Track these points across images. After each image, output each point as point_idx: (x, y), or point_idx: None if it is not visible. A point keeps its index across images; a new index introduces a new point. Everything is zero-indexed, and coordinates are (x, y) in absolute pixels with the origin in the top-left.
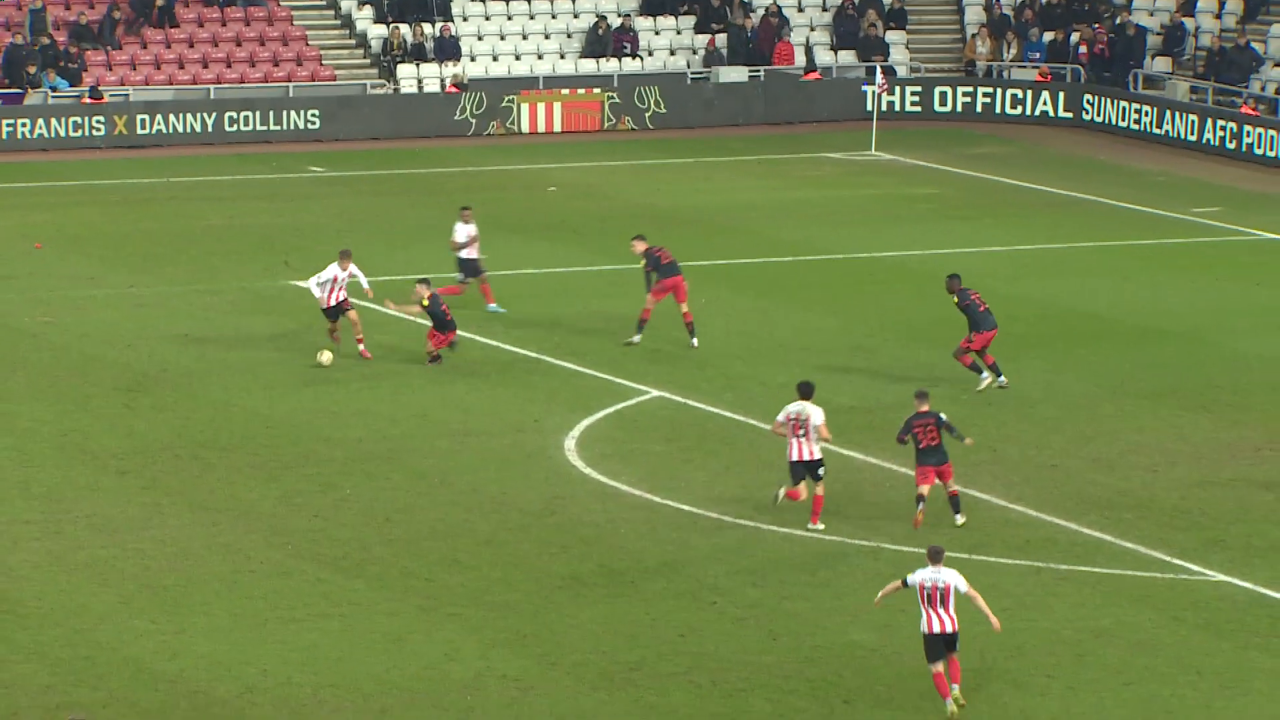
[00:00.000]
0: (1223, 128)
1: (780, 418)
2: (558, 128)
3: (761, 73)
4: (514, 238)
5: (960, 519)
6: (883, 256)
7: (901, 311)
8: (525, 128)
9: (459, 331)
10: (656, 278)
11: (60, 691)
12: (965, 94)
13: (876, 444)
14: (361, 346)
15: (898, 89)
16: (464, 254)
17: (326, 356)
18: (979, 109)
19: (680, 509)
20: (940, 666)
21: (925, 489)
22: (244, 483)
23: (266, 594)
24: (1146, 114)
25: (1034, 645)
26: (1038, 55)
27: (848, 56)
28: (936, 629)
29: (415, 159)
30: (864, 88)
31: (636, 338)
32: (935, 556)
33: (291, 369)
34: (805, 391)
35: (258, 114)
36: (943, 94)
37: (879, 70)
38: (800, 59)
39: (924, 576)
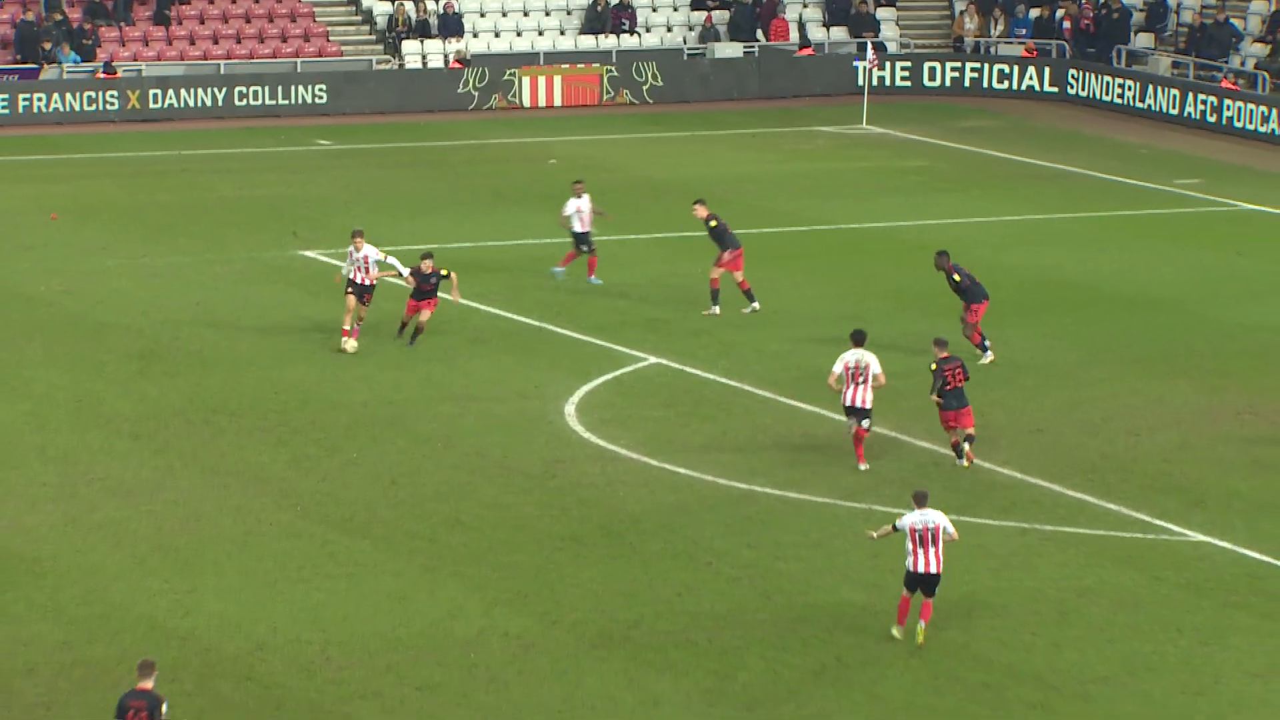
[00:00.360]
0: (1203, 102)
1: (838, 368)
2: (558, 102)
3: (756, 49)
4: (516, 209)
5: (965, 461)
6: (873, 227)
7: (891, 281)
8: (526, 102)
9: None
10: (719, 248)
11: (75, 648)
12: (954, 69)
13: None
14: (352, 330)
15: (888, 65)
16: (575, 227)
17: (351, 345)
18: (967, 84)
19: (677, 472)
20: (909, 595)
21: (956, 437)
22: (254, 447)
23: (275, 554)
24: (1129, 89)
25: (1019, 604)
26: (1024, 31)
27: (840, 33)
28: (921, 569)
29: (420, 132)
30: (855, 63)
31: (715, 309)
32: (920, 500)
33: (300, 336)
34: (859, 339)
35: (266, 89)
36: (932, 69)
37: (870, 46)
38: (794, 35)
39: (913, 520)
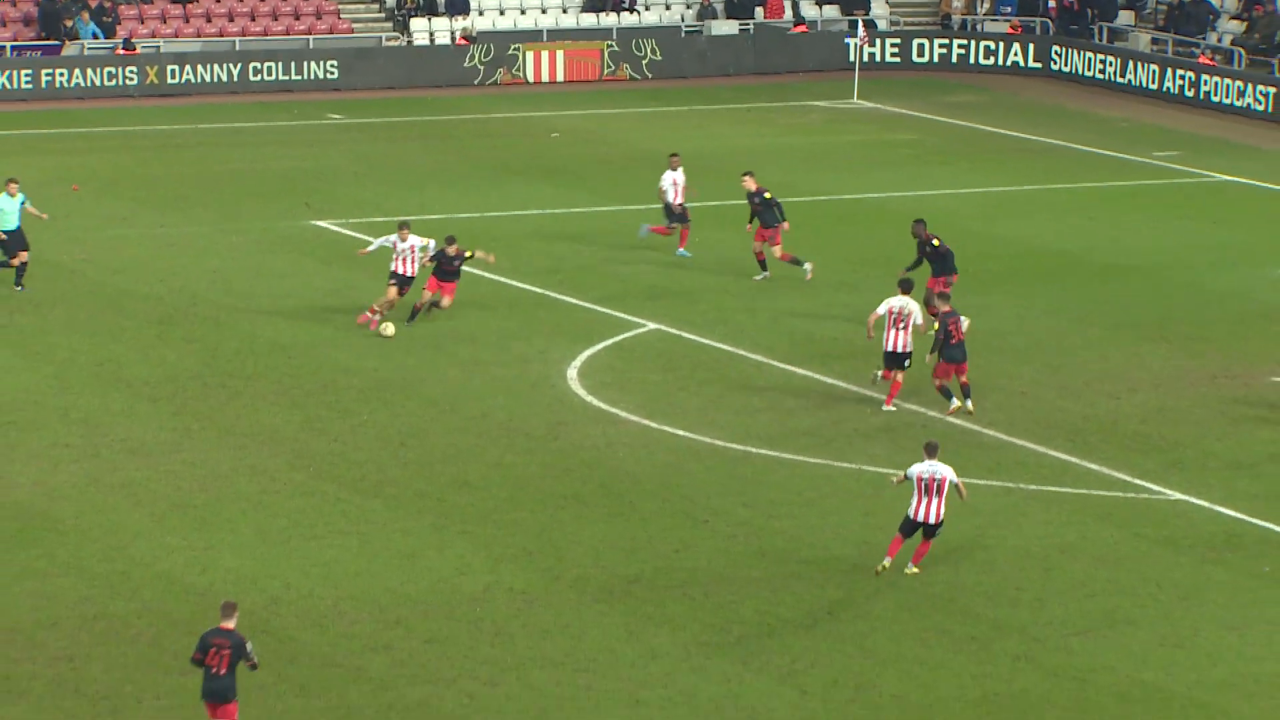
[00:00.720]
0: (1181, 77)
1: (881, 310)
2: (560, 77)
3: (751, 26)
4: (519, 180)
5: (971, 404)
6: (865, 198)
7: (882, 250)
8: (530, 77)
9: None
10: (758, 222)
11: (97, 603)
12: (941, 46)
13: (856, 373)
14: (374, 317)
15: (878, 41)
16: (669, 198)
17: (388, 328)
18: (954, 60)
19: (675, 434)
20: (903, 537)
21: (945, 382)
22: (268, 409)
23: (290, 513)
24: (1111, 64)
25: (1004, 560)
26: (1009, 9)
27: (831, 11)
28: (921, 517)
29: (427, 107)
30: (847, 40)
31: (762, 275)
32: (931, 451)
33: (312, 303)
34: (906, 287)
35: (280, 65)
36: (920, 46)
37: (861, 24)
38: (788, 13)
39: (921, 469)
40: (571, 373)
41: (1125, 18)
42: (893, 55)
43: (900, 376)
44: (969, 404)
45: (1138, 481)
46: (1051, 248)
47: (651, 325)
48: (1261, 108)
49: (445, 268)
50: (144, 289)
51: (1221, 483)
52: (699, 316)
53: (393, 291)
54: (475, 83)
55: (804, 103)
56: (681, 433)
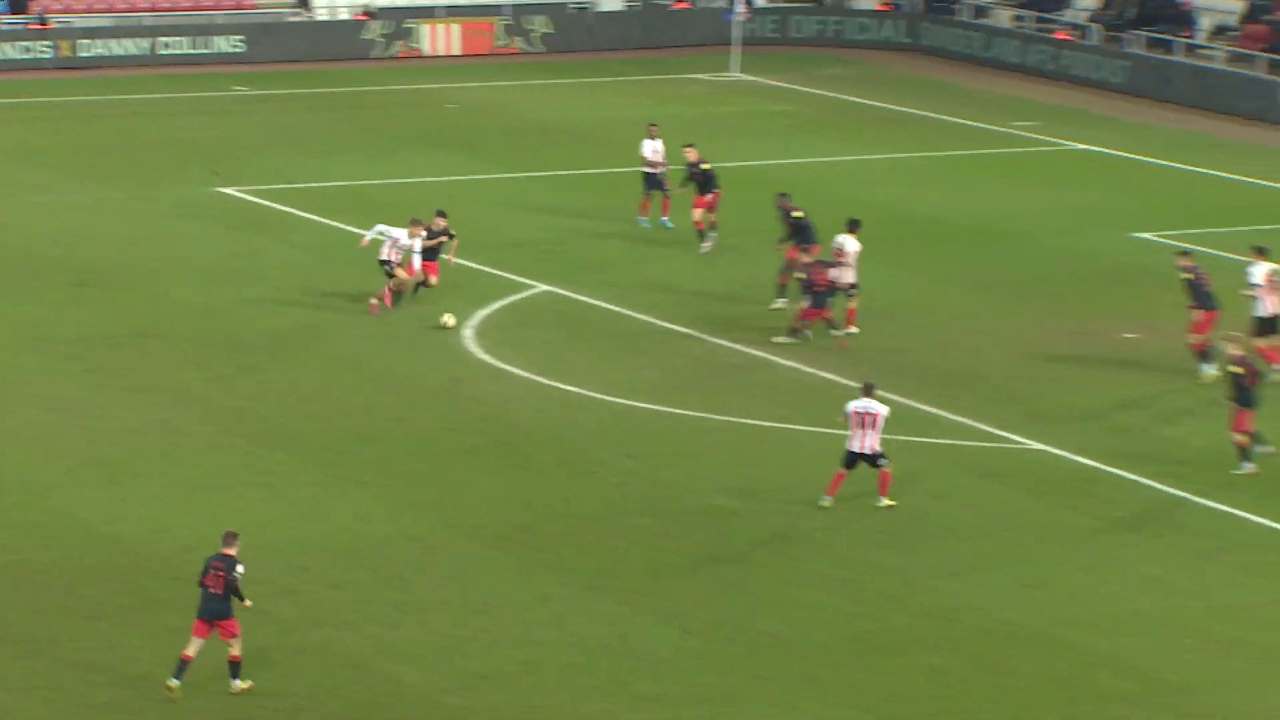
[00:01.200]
0: (1040, 51)
1: (836, 244)
2: (456, 50)
3: (638, 3)
4: (418, 149)
5: (845, 333)
6: (745, 166)
7: (762, 215)
8: (427, 50)
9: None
10: (695, 188)
11: (15, 550)
12: (817, 22)
13: (739, 330)
14: (375, 302)
15: (757, 17)
16: (648, 169)
17: (449, 319)
18: (829, 35)
19: (566, 389)
20: (845, 471)
21: (809, 324)
22: (178, 367)
23: (198, 465)
24: (975, 39)
25: (869, 504)
26: None
27: None
28: (858, 448)
29: (329, 79)
30: (727, 16)
31: (705, 245)
32: (868, 390)
33: (220, 266)
34: (852, 226)
35: (188, 39)
36: (797, 22)
37: (740, 1)
38: None
39: (856, 405)
40: (468, 332)
41: None
42: (771, 31)
43: (831, 313)
44: (848, 330)
45: (1001, 432)
46: (920, 213)
47: (543, 287)
48: (1116, 80)
49: (430, 246)
50: (59, 253)
51: (1078, 433)
52: (588, 278)
53: (402, 273)
54: (374, 56)
55: (687, 76)
56: (572, 388)
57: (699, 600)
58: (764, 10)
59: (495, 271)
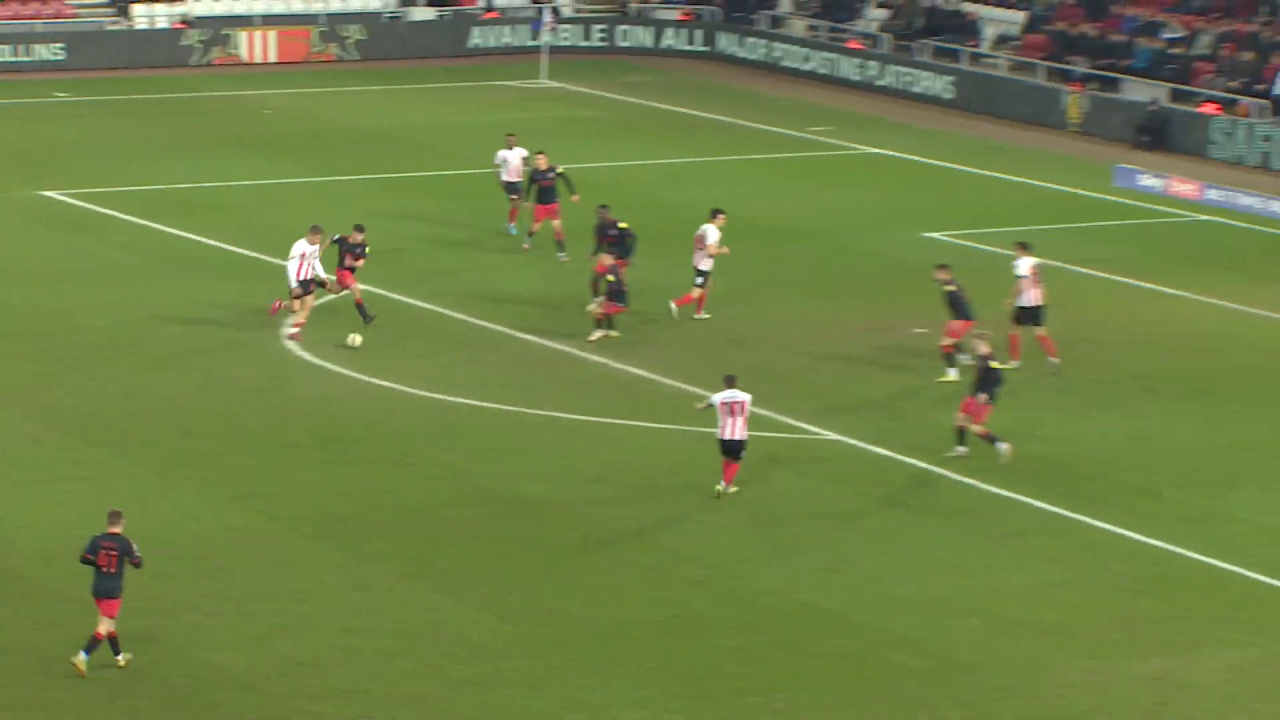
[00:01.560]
0: (833, 60)
1: (699, 232)
2: (273, 58)
3: (449, 12)
4: (235, 153)
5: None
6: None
7: (571, 218)
8: (245, 57)
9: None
10: (539, 194)
11: None
12: (621, 31)
13: (553, 330)
14: (296, 330)
15: (563, 27)
16: (503, 176)
17: (355, 339)
18: (632, 44)
19: (383, 385)
20: (725, 458)
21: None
22: (2, 365)
23: (22, 460)
24: (771, 48)
25: (682, 496)
26: None
27: (522, 1)
28: (728, 436)
29: (149, 86)
30: (535, 26)
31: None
32: (730, 381)
33: (43, 266)
34: (715, 215)
35: (9, 46)
36: (602, 31)
37: (548, 10)
38: (481, 0)
39: (723, 396)
40: (286, 330)
41: (784, 5)
42: (577, 40)
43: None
44: (611, 332)
45: (799, 424)
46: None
47: (360, 286)
48: (906, 87)
49: (349, 259)
50: None
51: (872, 423)
52: (402, 276)
53: (304, 298)
54: (193, 63)
55: (496, 83)
56: (389, 384)
57: (512, 587)
58: (570, 20)
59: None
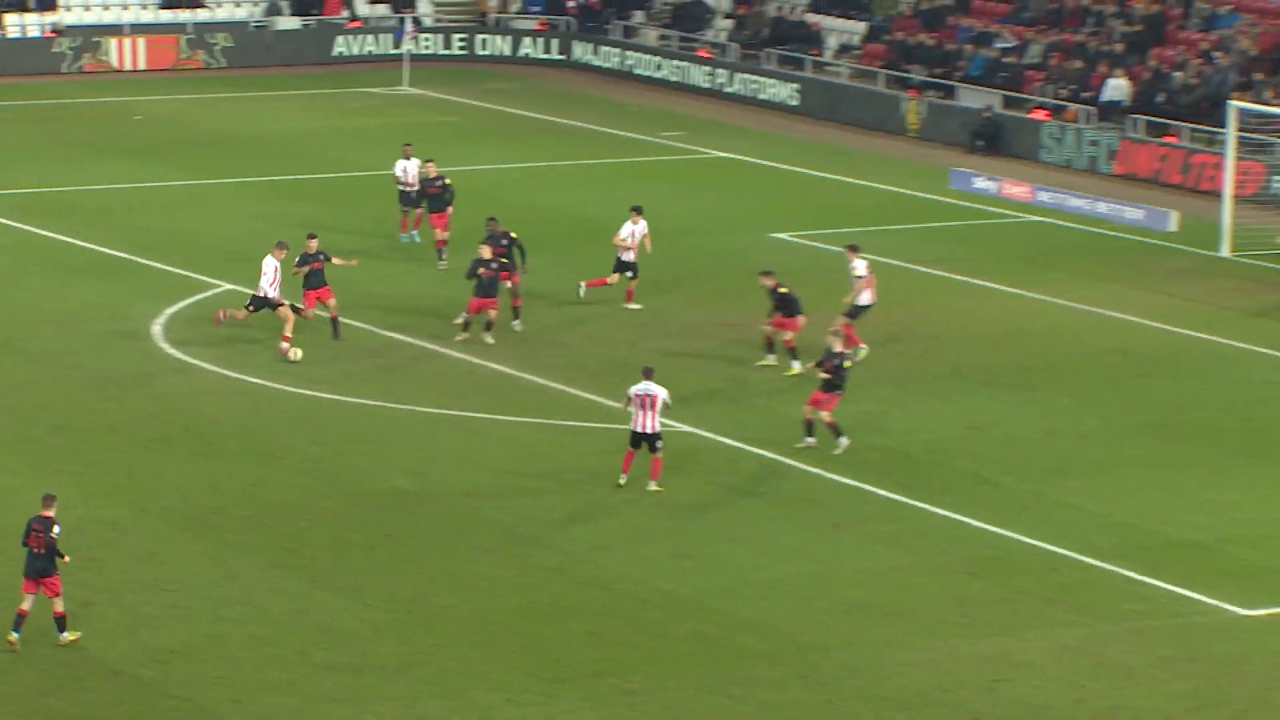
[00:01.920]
0: (684, 68)
1: (622, 233)
2: (142, 65)
3: (313, 22)
4: (106, 158)
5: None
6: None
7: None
8: (115, 64)
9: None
10: (429, 203)
11: None
12: (480, 40)
13: (411, 326)
14: (287, 345)
15: (425, 36)
16: (401, 187)
17: (295, 353)
18: (491, 52)
19: (252, 382)
20: (634, 451)
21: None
22: None
23: None
24: (624, 57)
25: (540, 487)
26: (538, 8)
27: (384, 9)
28: (639, 428)
29: (21, 93)
30: (398, 35)
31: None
32: (647, 374)
33: None
34: (637, 211)
35: None
36: (462, 40)
37: (409, 20)
38: (346, 11)
39: (637, 389)
40: (156, 329)
41: (638, 16)
42: (438, 48)
43: (613, 280)
44: (488, 337)
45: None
46: (580, 215)
47: (227, 286)
48: (751, 94)
49: (311, 272)
50: None
51: (722, 415)
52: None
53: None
54: (64, 70)
55: (360, 89)
56: (257, 380)
57: (377, 576)
58: (431, 29)
59: (182, 271)
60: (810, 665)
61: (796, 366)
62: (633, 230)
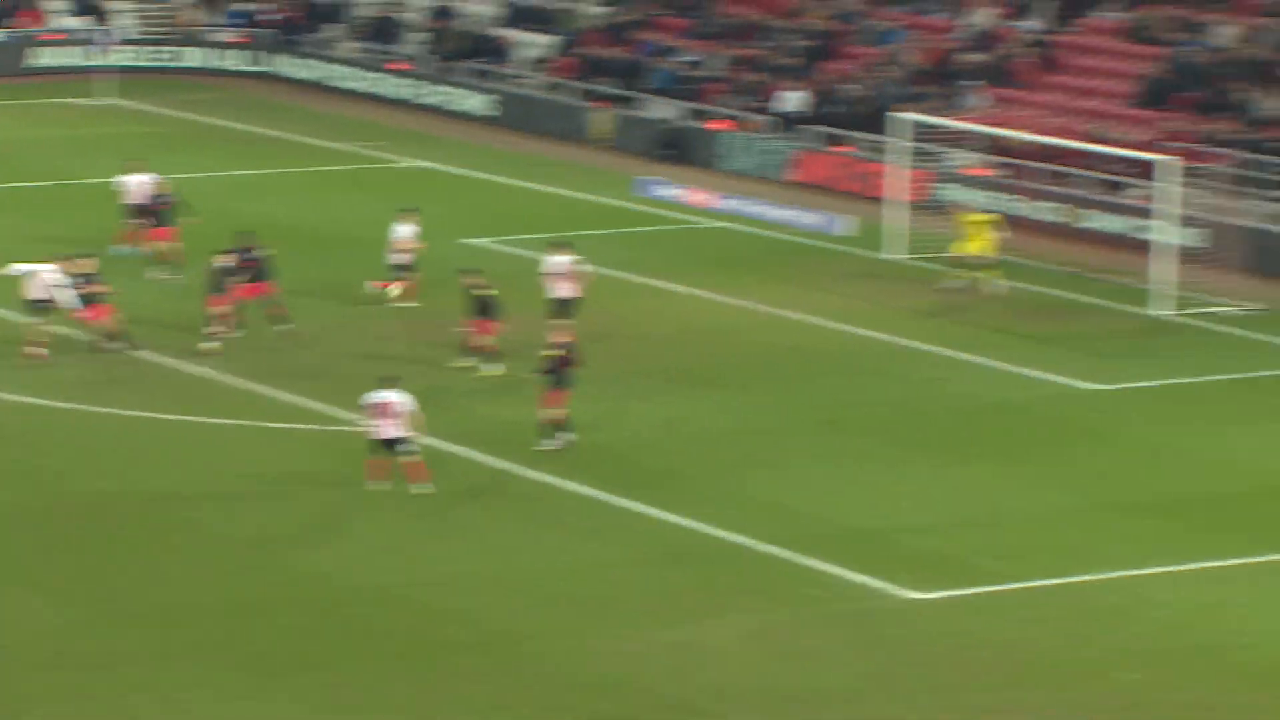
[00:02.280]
0: (380, 80)
1: (393, 237)
2: None
3: (9, 33)
4: None
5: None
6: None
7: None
8: None
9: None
10: (158, 218)
11: None
12: (181, 52)
13: (134, 336)
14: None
15: (125, 47)
16: (127, 199)
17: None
18: (192, 64)
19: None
20: (374, 459)
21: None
22: None
23: None
24: (323, 69)
25: (241, 486)
26: (240, 20)
27: (82, 22)
28: (379, 435)
29: None
30: (91, 46)
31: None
32: (384, 383)
33: None
34: (409, 216)
35: None
36: (163, 52)
37: (107, 32)
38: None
39: (372, 397)
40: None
41: (337, 30)
42: (139, 60)
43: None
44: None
45: (354, 417)
46: (283, 223)
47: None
48: (446, 105)
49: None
50: None
51: (427, 417)
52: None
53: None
54: None
55: (62, 100)
56: (28, 400)
57: (79, 576)
58: (132, 41)
59: None
60: (511, 655)
61: (491, 369)
62: (406, 233)
